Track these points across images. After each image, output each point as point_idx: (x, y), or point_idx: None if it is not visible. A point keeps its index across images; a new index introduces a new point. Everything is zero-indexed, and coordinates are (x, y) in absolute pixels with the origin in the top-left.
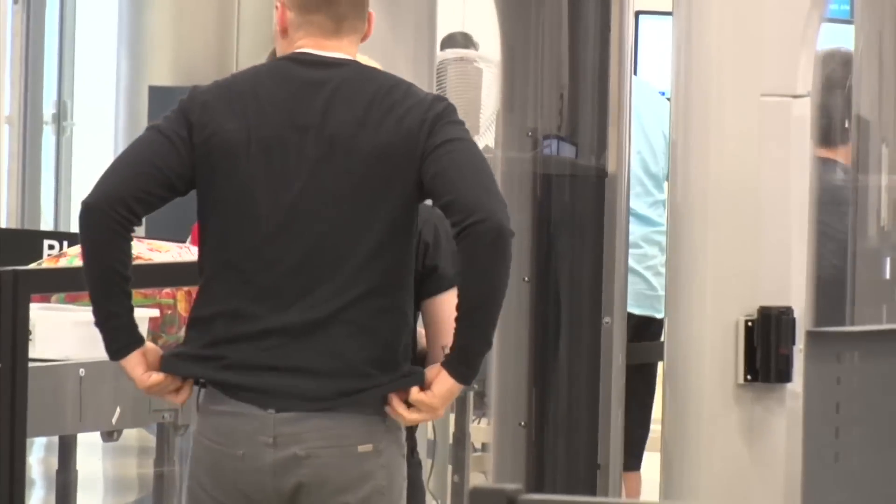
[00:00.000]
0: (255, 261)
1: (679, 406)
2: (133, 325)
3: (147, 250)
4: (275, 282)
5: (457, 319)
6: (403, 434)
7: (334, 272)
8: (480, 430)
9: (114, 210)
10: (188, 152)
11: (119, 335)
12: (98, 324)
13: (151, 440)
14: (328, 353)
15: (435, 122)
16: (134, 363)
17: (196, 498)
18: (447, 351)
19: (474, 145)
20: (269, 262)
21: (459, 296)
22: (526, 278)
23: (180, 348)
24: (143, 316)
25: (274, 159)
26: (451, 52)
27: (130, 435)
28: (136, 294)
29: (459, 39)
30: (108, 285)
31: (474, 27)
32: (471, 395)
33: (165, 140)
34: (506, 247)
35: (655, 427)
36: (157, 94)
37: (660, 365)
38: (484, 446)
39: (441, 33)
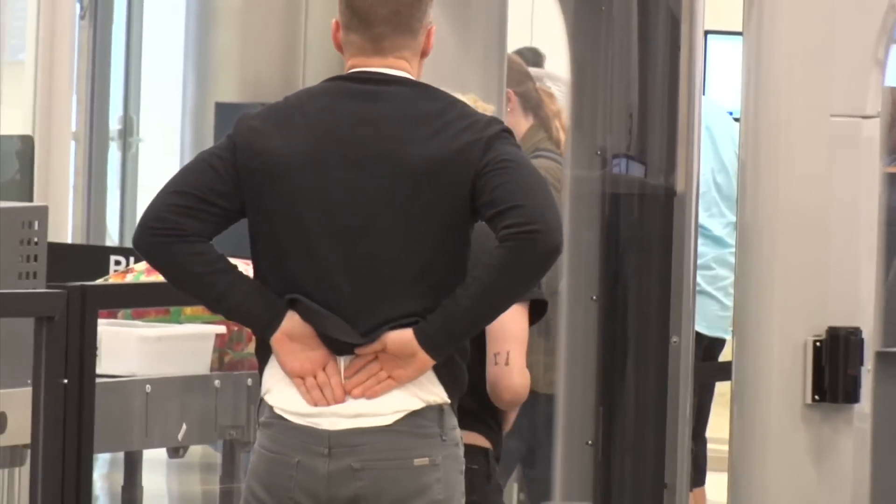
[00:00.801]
0: (309, 278)
1: (747, 425)
2: (255, 313)
3: None
4: (330, 298)
5: (460, 289)
6: (461, 449)
7: (386, 290)
8: None
9: (151, 228)
10: (227, 169)
11: (251, 323)
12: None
13: (216, 457)
14: None
15: (492, 140)
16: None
17: None
18: (498, 358)
19: (534, 166)
20: (321, 279)
21: (479, 279)
22: (594, 297)
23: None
24: (209, 332)
25: (320, 175)
26: None
27: (195, 452)
28: (203, 311)
29: (528, 55)
30: (201, 290)
31: (542, 41)
32: None
33: (202, 161)
34: (550, 265)
35: (722, 447)
36: (223, 110)
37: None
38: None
39: (510, 48)
